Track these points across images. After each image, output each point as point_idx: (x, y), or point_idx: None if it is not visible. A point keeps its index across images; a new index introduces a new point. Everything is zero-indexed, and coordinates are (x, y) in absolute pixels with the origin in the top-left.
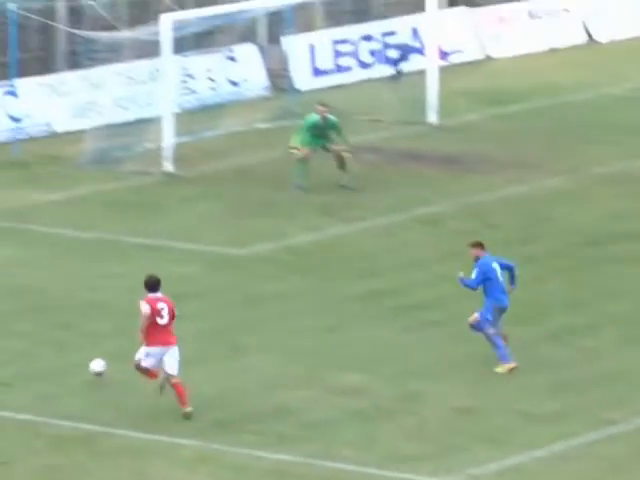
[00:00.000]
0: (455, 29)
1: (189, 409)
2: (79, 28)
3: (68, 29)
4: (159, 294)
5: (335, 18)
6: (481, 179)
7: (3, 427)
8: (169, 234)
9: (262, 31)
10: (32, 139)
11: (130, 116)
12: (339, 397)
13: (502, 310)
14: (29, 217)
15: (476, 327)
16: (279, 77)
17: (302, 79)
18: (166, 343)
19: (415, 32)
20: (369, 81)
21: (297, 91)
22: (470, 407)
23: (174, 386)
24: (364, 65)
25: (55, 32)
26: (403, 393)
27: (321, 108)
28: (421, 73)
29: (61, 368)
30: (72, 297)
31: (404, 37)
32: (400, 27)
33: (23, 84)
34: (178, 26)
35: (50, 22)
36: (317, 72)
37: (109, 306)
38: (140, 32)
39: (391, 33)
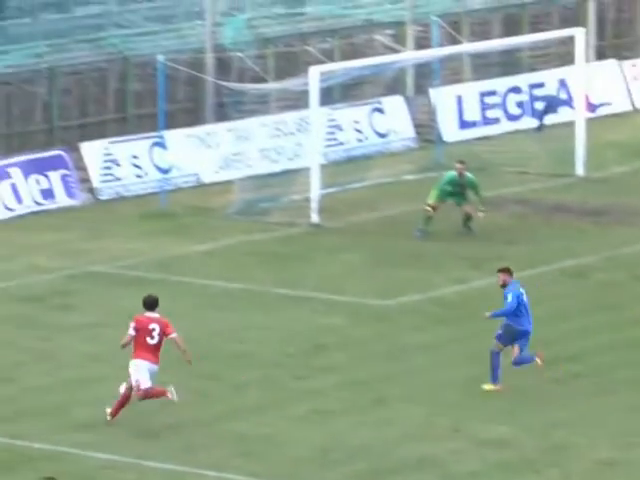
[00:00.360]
0: (603, 81)
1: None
2: (227, 80)
3: (216, 81)
4: (155, 314)
5: (482, 70)
6: (628, 231)
7: (151, 477)
8: (315, 285)
9: (410, 82)
10: (180, 190)
11: (277, 167)
12: (484, 448)
13: (525, 334)
14: (177, 268)
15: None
16: (426, 128)
17: (449, 130)
18: (151, 361)
19: (563, 84)
20: (516, 133)
21: (444, 142)
22: (614, 459)
23: (125, 396)
24: (511, 117)
25: (203, 84)
26: (548, 445)
27: (459, 166)
28: (569, 125)
29: (206, 418)
30: (217, 348)
31: (552, 89)
32: (548, 79)
33: (171, 135)
34: (326, 78)
35: (198, 74)
36: (464, 124)
37: (254, 357)
38: (288, 84)
39: (539, 85)
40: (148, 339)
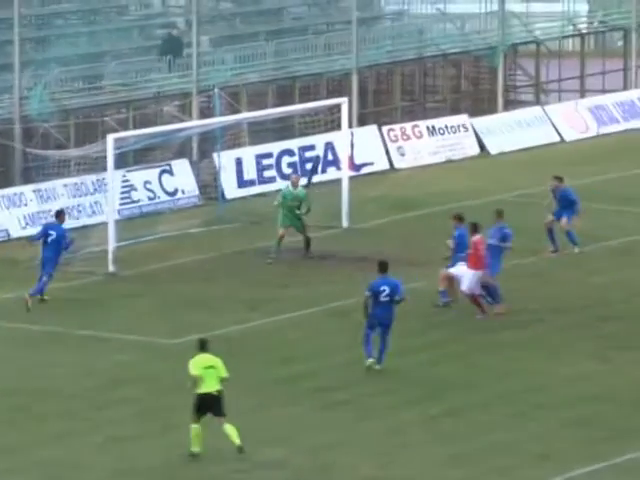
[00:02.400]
0: (365, 145)
1: None
2: (33, 147)
3: (23, 148)
4: None
5: (259, 136)
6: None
7: None
8: (110, 327)
9: (195, 147)
10: None
11: (77, 223)
12: (264, 469)
13: None
14: None
15: None
16: (210, 187)
17: (230, 189)
18: None
19: (330, 147)
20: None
21: (225, 199)
22: (377, 476)
23: None
24: (284, 176)
25: (12, 151)
26: (318, 464)
27: (294, 177)
28: (336, 182)
29: (16, 446)
30: (25, 383)
31: (320, 151)
32: (317, 143)
33: None
34: (120, 144)
35: (7, 142)
36: (243, 183)
37: (59, 390)
38: (87, 149)
39: (309, 148)
40: None
